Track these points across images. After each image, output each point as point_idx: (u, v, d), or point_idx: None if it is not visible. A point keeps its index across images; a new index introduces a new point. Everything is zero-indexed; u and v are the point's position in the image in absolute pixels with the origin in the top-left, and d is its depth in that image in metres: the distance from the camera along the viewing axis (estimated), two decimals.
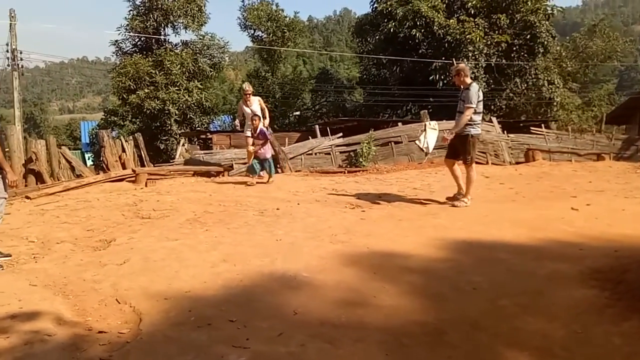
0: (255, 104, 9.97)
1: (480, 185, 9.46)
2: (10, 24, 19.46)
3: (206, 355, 2.91)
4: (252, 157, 10.00)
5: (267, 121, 10.09)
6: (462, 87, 7.23)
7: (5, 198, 5.10)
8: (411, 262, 4.83)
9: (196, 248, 5.24)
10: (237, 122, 10.64)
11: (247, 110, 9.88)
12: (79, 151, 41.46)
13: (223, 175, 11.66)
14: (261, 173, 9.96)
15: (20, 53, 20.39)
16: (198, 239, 5.64)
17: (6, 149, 5.07)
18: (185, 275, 4.36)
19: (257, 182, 9.74)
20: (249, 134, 9.95)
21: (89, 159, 33.91)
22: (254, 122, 9.59)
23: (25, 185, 9.20)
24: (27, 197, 8.27)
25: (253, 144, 9.70)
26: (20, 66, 20.39)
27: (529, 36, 21.08)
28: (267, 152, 9.68)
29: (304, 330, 3.30)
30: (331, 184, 9.46)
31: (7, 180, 4.96)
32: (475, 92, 7.08)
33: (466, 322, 3.47)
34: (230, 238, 5.67)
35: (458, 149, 7.26)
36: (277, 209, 7.27)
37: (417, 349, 3.03)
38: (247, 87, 10.15)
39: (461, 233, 5.87)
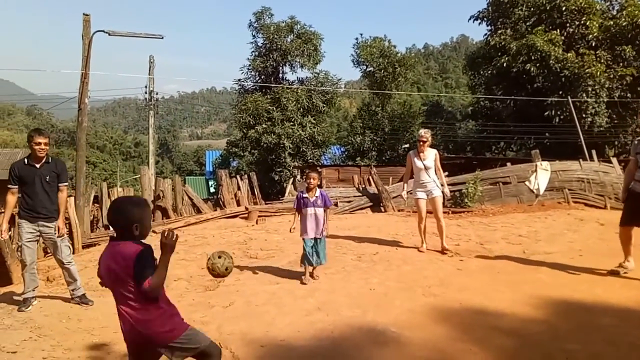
0: (431, 157, 7.60)
1: (593, 235, 8.90)
2: (150, 68, 22.02)
3: None
4: (422, 229, 7.89)
5: (446, 189, 7.78)
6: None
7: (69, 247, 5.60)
8: (503, 323, 4.77)
9: (294, 293, 5.61)
10: (404, 194, 7.99)
11: (419, 164, 7.56)
12: (203, 177, 45.02)
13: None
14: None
15: (157, 94, 22.93)
16: (297, 283, 6.02)
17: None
18: (281, 322, 4.73)
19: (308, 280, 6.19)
20: (421, 194, 7.64)
21: (211, 186, 36.78)
22: (311, 181, 6.30)
23: (153, 220, 10.36)
24: (154, 232, 9.28)
25: (300, 212, 6.34)
26: (155, 105, 22.88)
27: None
28: (320, 225, 6.25)
29: None
30: (432, 227, 9.43)
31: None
32: None
33: None
34: (326, 284, 5.98)
35: None
36: (375, 253, 7.47)
37: None
38: (425, 134, 7.63)
39: (562, 291, 5.64)
